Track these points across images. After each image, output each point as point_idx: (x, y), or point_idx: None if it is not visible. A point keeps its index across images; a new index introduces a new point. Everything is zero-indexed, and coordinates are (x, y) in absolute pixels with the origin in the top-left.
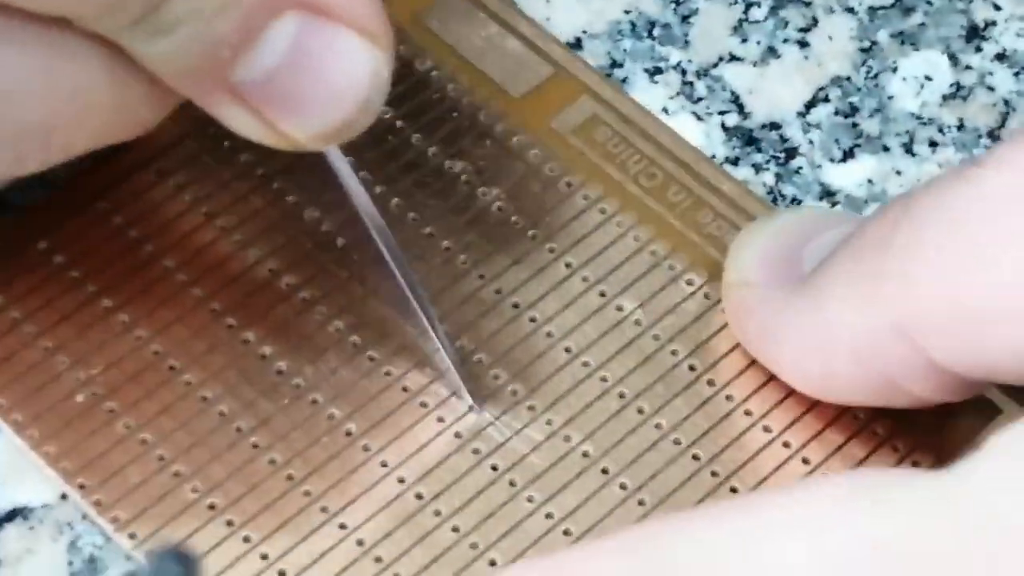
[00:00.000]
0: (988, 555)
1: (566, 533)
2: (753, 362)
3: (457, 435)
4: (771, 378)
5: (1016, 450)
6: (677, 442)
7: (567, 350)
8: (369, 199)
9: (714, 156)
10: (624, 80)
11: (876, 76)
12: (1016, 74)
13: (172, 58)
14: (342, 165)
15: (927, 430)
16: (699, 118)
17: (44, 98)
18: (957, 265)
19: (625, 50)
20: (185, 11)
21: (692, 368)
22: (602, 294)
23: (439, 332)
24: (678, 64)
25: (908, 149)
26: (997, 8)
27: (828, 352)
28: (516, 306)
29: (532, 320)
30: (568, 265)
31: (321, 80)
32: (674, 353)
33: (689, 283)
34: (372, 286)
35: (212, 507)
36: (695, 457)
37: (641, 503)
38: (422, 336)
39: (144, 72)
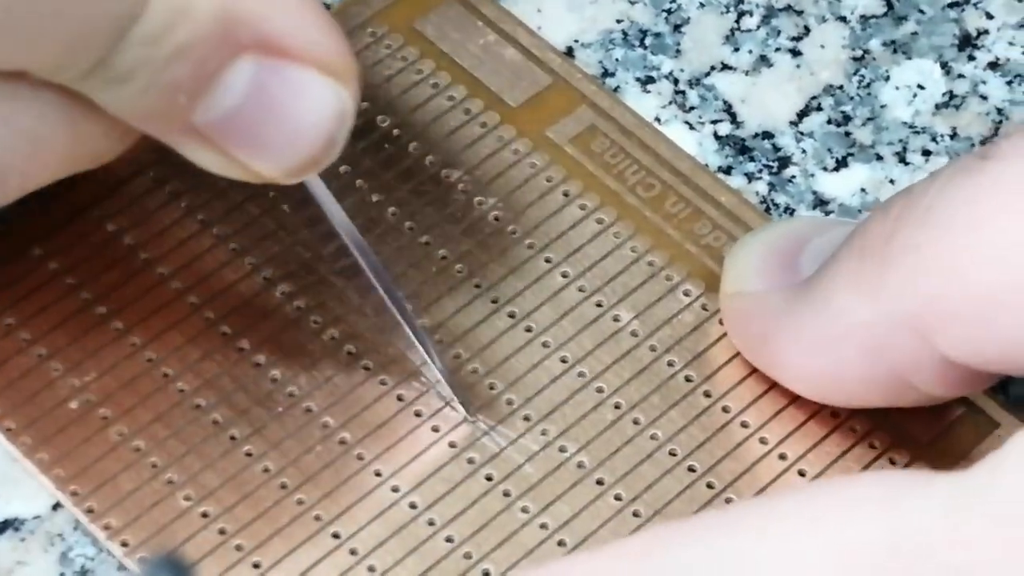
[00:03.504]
0: (1012, 555)
1: (560, 544)
2: (751, 373)
3: (451, 445)
4: (768, 389)
5: None
6: (673, 453)
7: (563, 360)
8: (345, 215)
9: (707, 165)
10: (616, 89)
11: (869, 85)
12: (1009, 83)
13: (129, 104)
14: (316, 183)
15: (926, 443)
16: (691, 127)
17: (2, 144)
18: (964, 255)
19: (617, 59)
20: (137, 60)
21: (689, 379)
22: (599, 304)
23: (427, 345)
24: (670, 73)
25: (901, 158)
26: (989, 17)
27: (836, 351)
28: (512, 316)
29: (528, 330)
30: (565, 275)
31: (283, 119)
32: (671, 364)
33: (686, 294)
34: (356, 302)
35: (205, 515)
36: (691, 469)
37: (636, 514)
38: (410, 349)
39: (103, 113)
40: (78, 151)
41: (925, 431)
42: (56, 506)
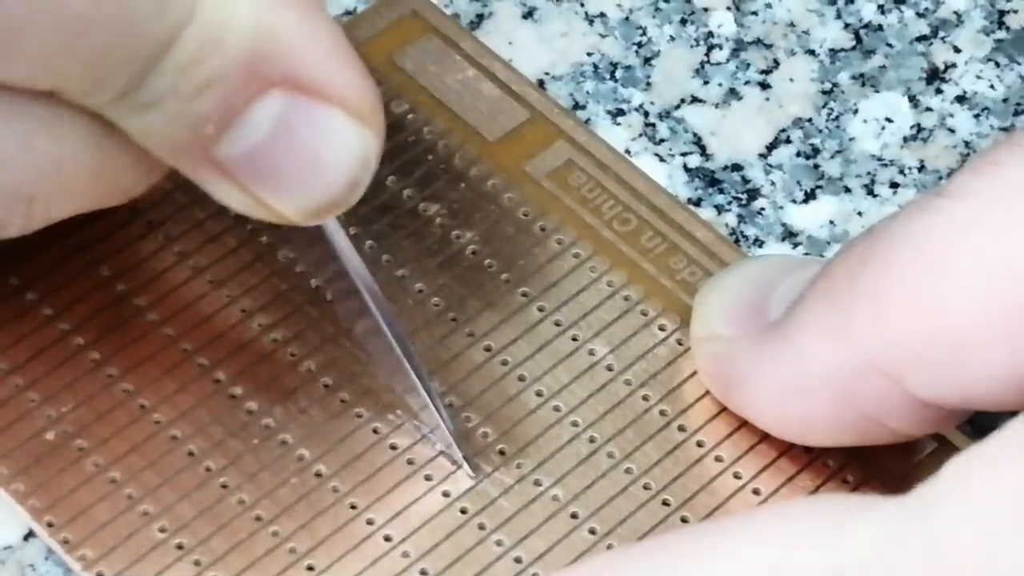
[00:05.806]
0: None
1: None
2: (725, 408)
3: (427, 478)
4: (741, 424)
5: (970, 474)
6: (647, 487)
7: (538, 394)
8: (362, 261)
9: (676, 197)
10: (587, 121)
11: (837, 118)
12: (976, 116)
13: (156, 132)
14: (337, 232)
15: (899, 477)
16: (661, 159)
17: (27, 168)
18: (927, 296)
19: (588, 92)
20: (167, 88)
21: (663, 413)
22: (574, 338)
23: (435, 400)
24: (640, 106)
25: (870, 190)
26: (957, 51)
27: (806, 395)
28: (488, 349)
29: (504, 363)
30: (541, 309)
31: (307, 159)
32: (645, 398)
33: (661, 328)
34: (332, 332)
35: (180, 547)
36: (665, 503)
37: (610, 548)
38: (421, 408)
39: (130, 142)
40: (104, 182)
41: (898, 465)
42: (27, 536)
